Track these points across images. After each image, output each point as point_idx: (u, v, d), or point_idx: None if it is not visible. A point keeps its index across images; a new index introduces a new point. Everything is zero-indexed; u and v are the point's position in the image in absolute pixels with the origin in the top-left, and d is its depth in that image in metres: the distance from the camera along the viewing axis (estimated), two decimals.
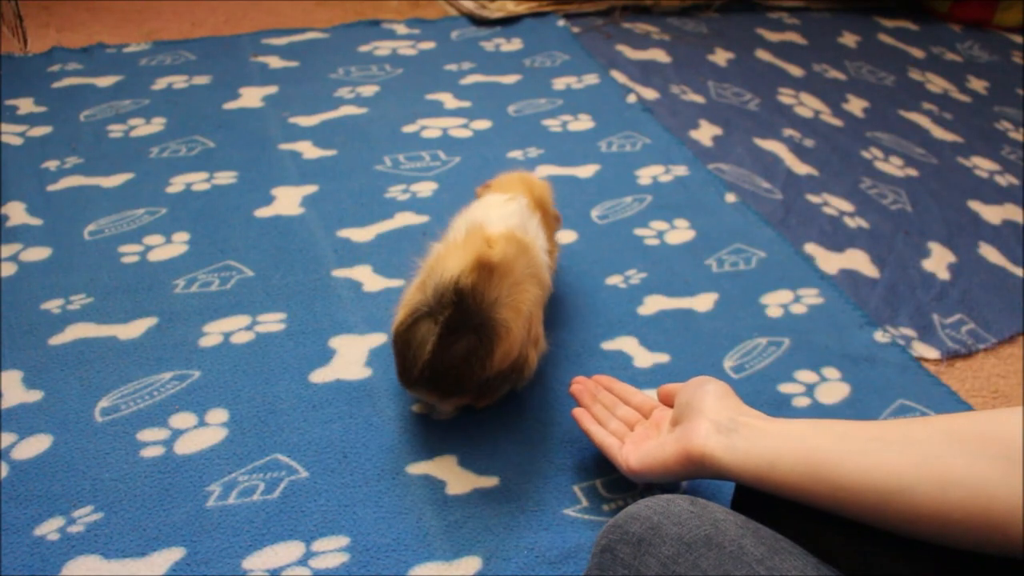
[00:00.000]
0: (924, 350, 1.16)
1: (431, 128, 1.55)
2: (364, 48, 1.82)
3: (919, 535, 0.56)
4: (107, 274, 1.14)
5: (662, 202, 1.40)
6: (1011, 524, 0.51)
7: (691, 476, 0.74)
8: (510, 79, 1.75)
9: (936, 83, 1.99)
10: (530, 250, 0.93)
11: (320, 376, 1.01)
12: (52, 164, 1.37)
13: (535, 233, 0.98)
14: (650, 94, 1.74)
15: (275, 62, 1.72)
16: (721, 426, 0.70)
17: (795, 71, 1.93)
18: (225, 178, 1.36)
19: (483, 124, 1.58)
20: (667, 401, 0.86)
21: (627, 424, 0.87)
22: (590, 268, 1.23)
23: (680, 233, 1.33)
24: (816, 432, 0.64)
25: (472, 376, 0.87)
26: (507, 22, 2.00)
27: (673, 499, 0.63)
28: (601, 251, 1.27)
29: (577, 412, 0.91)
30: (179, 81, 1.63)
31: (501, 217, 0.96)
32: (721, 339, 1.13)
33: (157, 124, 1.49)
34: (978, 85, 2.00)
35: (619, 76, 1.79)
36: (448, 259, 0.86)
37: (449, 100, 1.65)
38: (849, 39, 2.15)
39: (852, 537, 0.61)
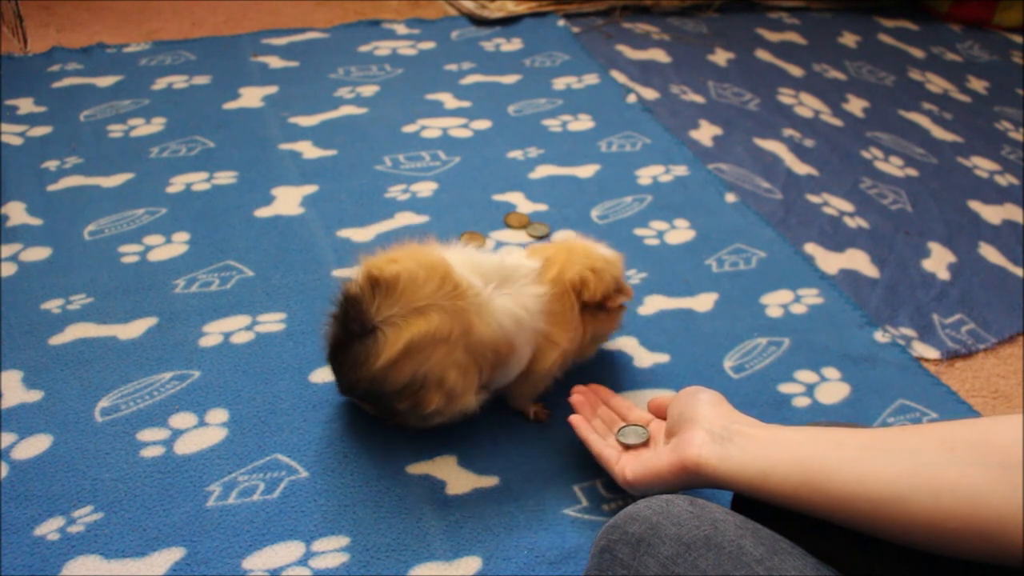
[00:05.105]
0: (924, 350, 1.16)
1: (431, 128, 1.55)
2: (364, 48, 1.82)
3: (913, 543, 0.56)
4: (107, 274, 1.14)
5: (662, 202, 1.40)
6: (1005, 532, 0.50)
7: (687, 486, 0.74)
8: (510, 79, 1.75)
9: (936, 83, 1.99)
10: (452, 284, 0.85)
11: (320, 376, 1.01)
12: (52, 164, 1.36)
13: (517, 295, 0.90)
14: (650, 94, 1.74)
15: (275, 62, 1.72)
16: (715, 435, 0.70)
17: (795, 71, 1.93)
18: (225, 178, 1.36)
19: (483, 124, 1.58)
20: (658, 413, 0.86)
21: None
22: None
23: (680, 233, 1.33)
24: (810, 440, 0.64)
25: (353, 382, 0.88)
26: (507, 22, 2.00)
27: (672, 499, 0.63)
28: None
29: (575, 419, 0.91)
30: (179, 81, 1.63)
31: (466, 259, 0.90)
32: (721, 339, 1.13)
33: (157, 124, 1.49)
34: (978, 85, 2.00)
35: (619, 76, 1.79)
36: (362, 264, 0.89)
37: (449, 100, 1.65)
38: (849, 39, 2.15)
39: (852, 537, 0.61)
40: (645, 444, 0.82)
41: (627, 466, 0.79)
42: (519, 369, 0.92)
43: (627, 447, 0.83)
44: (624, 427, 0.85)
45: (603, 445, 0.86)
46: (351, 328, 0.86)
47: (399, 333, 0.83)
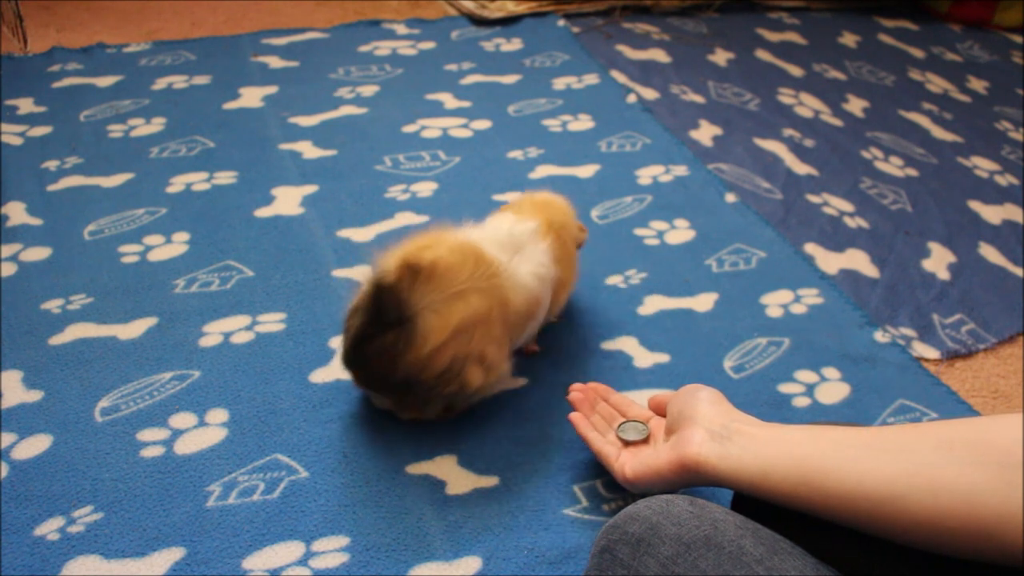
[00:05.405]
0: (924, 350, 1.16)
1: (431, 128, 1.55)
2: (364, 48, 1.82)
3: (912, 542, 0.56)
4: (107, 274, 1.14)
5: (662, 202, 1.40)
6: (1004, 531, 0.50)
7: (686, 484, 0.74)
8: (510, 79, 1.75)
9: (936, 83, 1.99)
10: (485, 264, 0.89)
11: (320, 376, 1.01)
12: (52, 164, 1.37)
13: (532, 257, 0.96)
14: (650, 94, 1.74)
15: (275, 62, 1.72)
16: (715, 433, 0.70)
17: (795, 71, 1.93)
18: (225, 178, 1.36)
19: (483, 124, 1.58)
20: (658, 411, 0.86)
21: None
22: (590, 268, 1.23)
23: (680, 233, 1.33)
24: (809, 439, 0.64)
25: (387, 373, 0.87)
26: (507, 22, 2.00)
27: (672, 499, 0.62)
28: (601, 251, 1.27)
29: (575, 417, 0.91)
30: (179, 81, 1.63)
31: (486, 230, 0.96)
32: (721, 339, 1.13)
33: (157, 124, 1.49)
34: (978, 85, 2.00)
35: (619, 76, 1.79)
36: (389, 254, 0.88)
37: (449, 100, 1.65)
38: (849, 39, 2.15)
39: (852, 537, 0.61)
40: (645, 441, 0.83)
41: (627, 464, 0.79)
42: (543, 316, 1.00)
43: (627, 443, 0.83)
44: (624, 423, 0.85)
45: (603, 442, 0.86)
46: (386, 318, 0.85)
47: (444, 319, 0.84)
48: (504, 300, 0.90)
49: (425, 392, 0.88)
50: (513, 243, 0.96)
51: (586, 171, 1.46)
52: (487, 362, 0.89)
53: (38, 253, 1.17)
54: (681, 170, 1.49)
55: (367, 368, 0.90)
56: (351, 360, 0.91)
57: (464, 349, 0.86)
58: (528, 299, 0.94)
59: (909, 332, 1.19)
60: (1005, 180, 1.62)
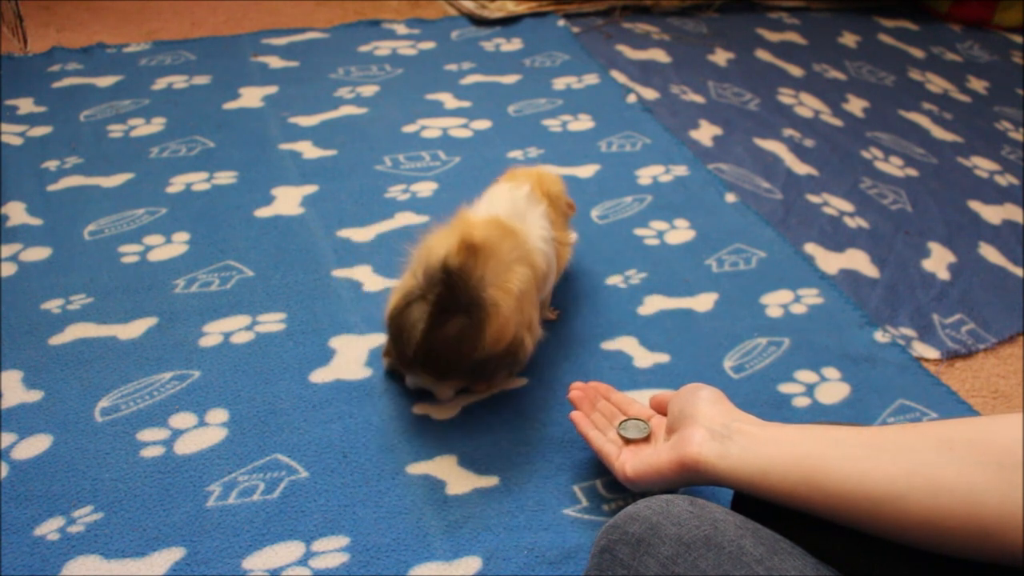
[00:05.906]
0: (924, 350, 1.16)
1: (431, 128, 1.55)
2: (364, 48, 1.82)
3: (912, 542, 0.56)
4: (107, 274, 1.14)
5: (662, 202, 1.40)
6: (1003, 531, 0.50)
7: (686, 483, 0.74)
8: (510, 79, 1.75)
9: (936, 83, 1.99)
10: (516, 234, 0.95)
11: (320, 376, 1.01)
12: (52, 164, 1.37)
13: (535, 221, 1.01)
14: (650, 94, 1.74)
15: (275, 62, 1.72)
16: (715, 433, 0.70)
17: (795, 71, 1.93)
18: (225, 178, 1.36)
19: (483, 124, 1.58)
20: (659, 409, 0.86)
21: None
22: (590, 268, 1.23)
23: (680, 233, 1.33)
24: (809, 438, 0.64)
25: (465, 357, 0.89)
26: (507, 22, 2.00)
27: (672, 499, 0.62)
28: (601, 251, 1.27)
29: (575, 416, 0.91)
30: (179, 81, 1.63)
31: (490, 203, 1.01)
32: (721, 339, 1.13)
33: (157, 124, 1.49)
34: (978, 85, 2.00)
35: (619, 76, 1.79)
36: (435, 243, 0.89)
37: (449, 100, 1.65)
38: (849, 39, 2.15)
39: (852, 537, 0.61)
40: (646, 439, 0.83)
41: (627, 462, 0.79)
42: (554, 277, 1.05)
43: (628, 441, 0.83)
44: (626, 421, 0.86)
45: (603, 441, 0.86)
46: (459, 301, 0.86)
47: (507, 292, 0.88)
48: (535, 265, 0.95)
49: (495, 366, 0.92)
50: (519, 211, 1.01)
51: (586, 171, 1.46)
52: (533, 328, 0.93)
53: (38, 253, 1.17)
54: (681, 170, 1.49)
55: (440, 357, 0.89)
56: (423, 355, 0.89)
57: (520, 317, 0.90)
58: (546, 261, 0.99)
59: (909, 332, 1.19)
60: (1005, 180, 1.62)
